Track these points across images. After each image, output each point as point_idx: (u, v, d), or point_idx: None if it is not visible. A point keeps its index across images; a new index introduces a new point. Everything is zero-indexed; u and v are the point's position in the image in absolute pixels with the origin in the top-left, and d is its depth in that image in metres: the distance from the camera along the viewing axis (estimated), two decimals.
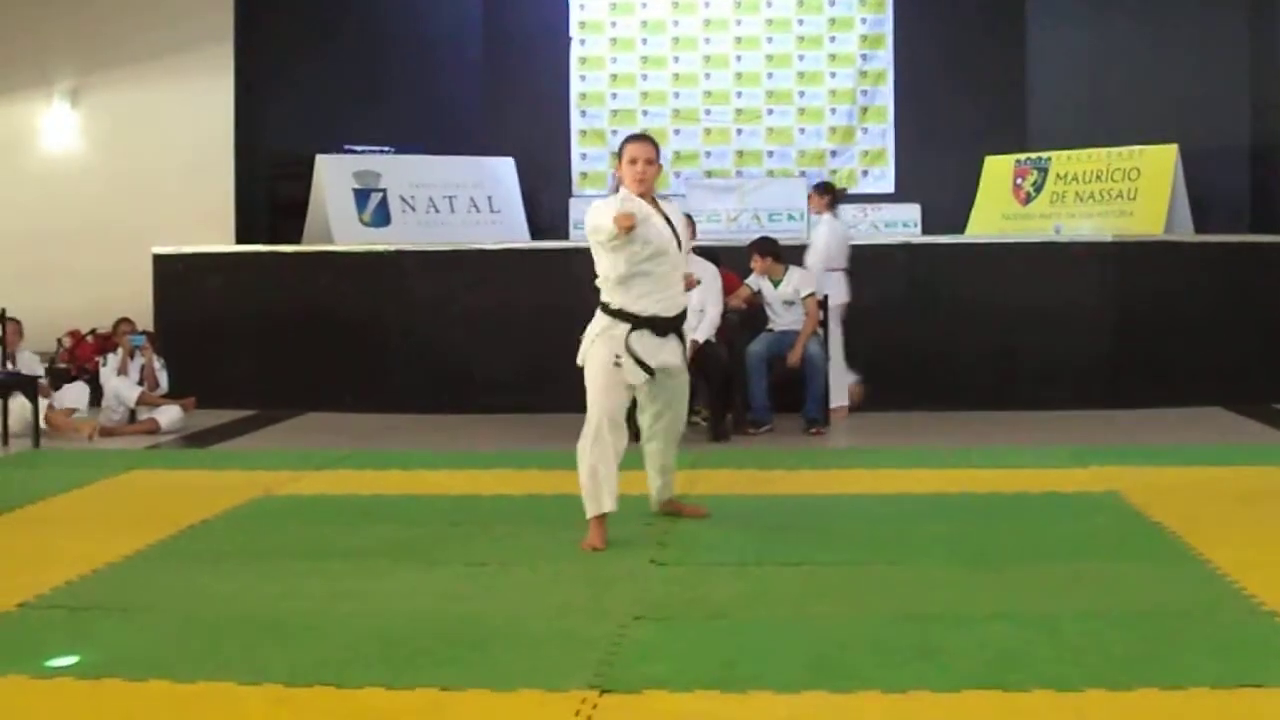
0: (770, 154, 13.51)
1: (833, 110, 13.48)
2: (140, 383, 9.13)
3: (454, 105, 12.94)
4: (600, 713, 3.49)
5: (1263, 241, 9.80)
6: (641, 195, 5.42)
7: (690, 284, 5.82)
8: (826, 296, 8.68)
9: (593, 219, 5.34)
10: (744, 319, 8.57)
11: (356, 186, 11.61)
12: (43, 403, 8.75)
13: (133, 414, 9.10)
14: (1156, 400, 9.05)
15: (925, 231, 12.37)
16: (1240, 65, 11.75)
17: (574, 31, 13.55)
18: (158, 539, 5.53)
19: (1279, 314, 9.35)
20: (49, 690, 3.75)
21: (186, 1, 11.29)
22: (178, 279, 10.18)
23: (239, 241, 11.00)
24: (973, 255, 9.72)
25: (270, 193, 11.99)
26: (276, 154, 11.88)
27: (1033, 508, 5.98)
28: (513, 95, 13.04)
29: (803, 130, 13.49)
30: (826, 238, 8.97)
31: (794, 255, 8.83)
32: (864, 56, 13.44)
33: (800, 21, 13.52)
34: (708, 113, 13.58)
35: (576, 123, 13.58)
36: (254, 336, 9.93)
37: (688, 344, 5.70)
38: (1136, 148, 10.96)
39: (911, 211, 12.80)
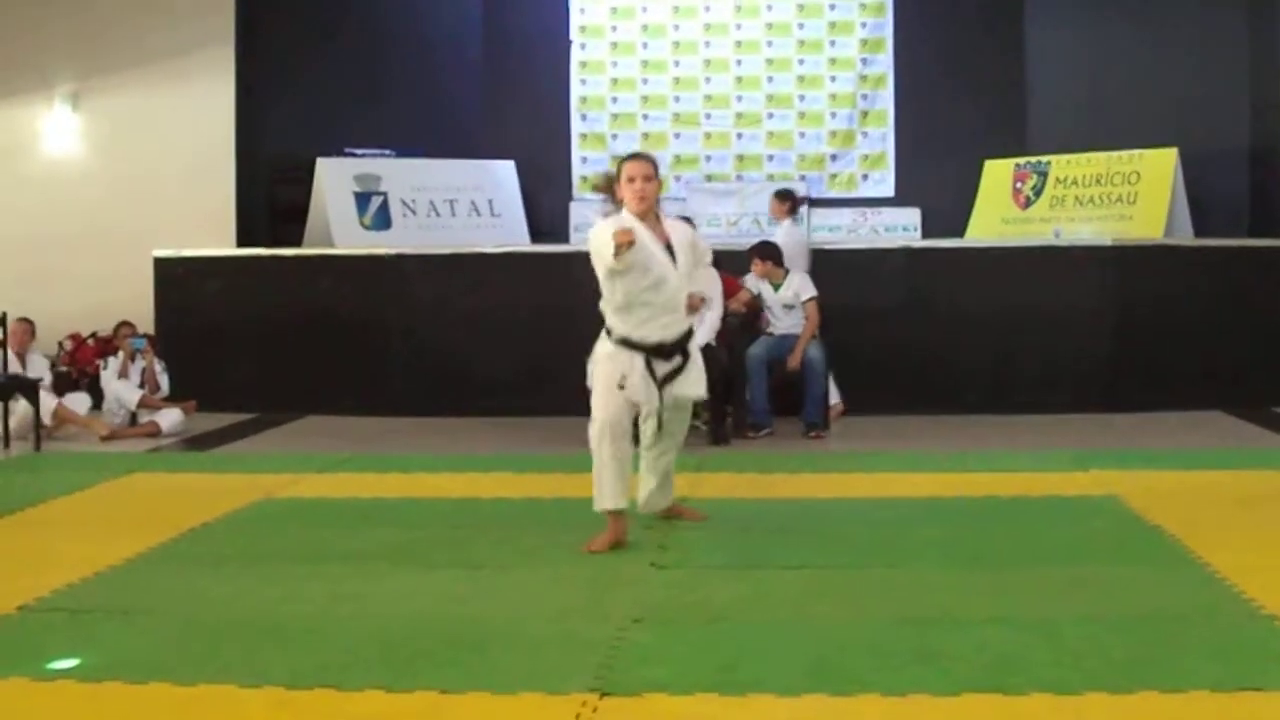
0: (770, 158, 13.49)
1: (833, 114, 13.46)
2: (141, 386, 9.14)
3: (454, 108, 12.93)
4: (600, 715, 3.50)
5: (1262, 246, 9.79)
6: (643, 214, 5.33)
7: (695, 304, 5.61)
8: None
9: (593, 243, 5.28)
10: (744, 322, 8.58)
11: (357, 190, 11.63)
12: (53, 400, 8.77)
13: (134, 417, 9.11)
14: (1156, 404, 9.05)
15: (925, 235, 12.39)
16: (1240, 66, 11.73)
17: (574, 35, 13.56)
18: (158, 542, 5.54)
19: (1278, 318, 9.35)
20: (50, 693, 3.75)
21: (187, 5, 11.27)
22: (178, 282, 10.18)
23: (240, 245, 10.99)
24: (972, 259, 9.72)
25: (271, 196, 11.97)
26: (277, 157, 11.87)
27: (1032, 511, 5.98)
28: (513, 99, 13.05)
29: (803, 134, 13.48)
30: (784, 242, 9.13)
31: None
32: (864, 60, 13.43)
33: (800, 26, 13.51)
34: (708, 117, 13.57)
35: (577, 126, 13.57)
36: (255, 340, 9.93)
37: (699, 364, 5.55)
38: (1136, 151, 10.96)
39: (911, 215, 12.82)
